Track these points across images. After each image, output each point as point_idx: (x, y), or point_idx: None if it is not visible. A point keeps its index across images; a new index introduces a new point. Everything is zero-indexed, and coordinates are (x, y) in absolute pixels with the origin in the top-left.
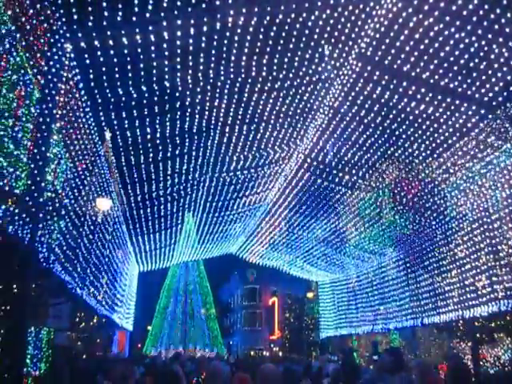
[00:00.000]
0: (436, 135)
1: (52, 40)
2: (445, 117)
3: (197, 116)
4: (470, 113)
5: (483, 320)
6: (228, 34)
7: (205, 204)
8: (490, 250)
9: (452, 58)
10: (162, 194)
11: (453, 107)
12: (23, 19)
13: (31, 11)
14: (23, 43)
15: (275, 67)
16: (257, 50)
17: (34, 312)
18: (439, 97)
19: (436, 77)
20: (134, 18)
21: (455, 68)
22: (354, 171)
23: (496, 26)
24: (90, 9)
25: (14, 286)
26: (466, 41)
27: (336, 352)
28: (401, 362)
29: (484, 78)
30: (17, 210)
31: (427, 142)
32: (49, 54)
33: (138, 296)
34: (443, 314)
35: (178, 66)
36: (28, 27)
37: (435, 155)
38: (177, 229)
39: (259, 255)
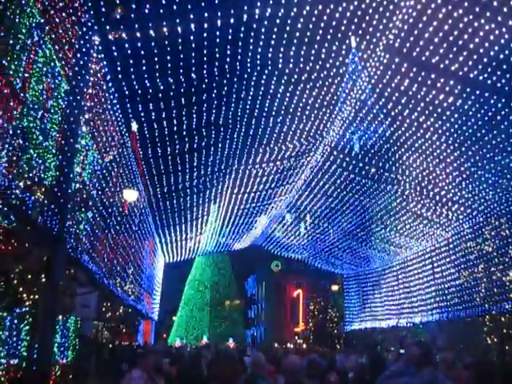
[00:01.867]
0: (464, 128)
1: (80, 32)
2: (473, 109)
3: (223, 108)
4: (499, 105)
5: (510, 315)
6: (255, 25)
7: (230, 196)
8: None
9: (482, 50)
10: (188, 185)
11: (482, 100)
12: (52, 12)
13: (60, 4)
14: (52, 36)
15: (302, 59)
16: (283, 42)
17: (61, 301)
18: (468, 89)
19: (465, 69)
20: (162, 11)
21: (485, 60)
22: (380, 164)
23: None
24: (117, 1)
25: (43, 275)
26: (496, 32)
27: (360, 346)
28: (429, 356)
29: None
30: (46, 201)
31: (455, 135)
32: (77, 46)
33: (163, 286)
34: (469, 308)
35: (205, 58)
36: (57, 20)
37: (463, 148)
38: (202, 220)
39: (284, 247)
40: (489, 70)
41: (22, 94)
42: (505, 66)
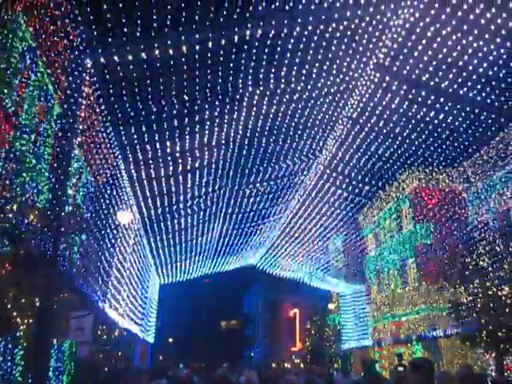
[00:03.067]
0: (456, 144)
1: (72, 56)
2: (464, 126)
3: (216, 129)
4: (489, 121)
5: (507, 330)
6: (246, 47)
7: (225, 216)
8: None
9: (471, 67)
10: (183, 206)
11: (472, 116)
12: (44, 36)
13: (52, 28)
14: (44, 59)
15: (293, 79)
16: (274, 63)
17: (56, 325)
18: (458, 106)
19: (455, 86)
20: (153, 33)
21: (474, 77)
22: (373, 182)
23: None
24: (109, 25)
25: (37, 299)
26: (485, 49)
27: (358, 364)
28: (427, 373)
29: (504, 86)
30: (39, 224)
31: (447, 152)
32: (69, 69)
33: (159, 308)
34: (466, 323)
35: (197, 80)
36: (48, 44)
37: (455, 164)
38: (197, 241)
39: (280, 266)
40: (478, 86)
41: (14, 118)
42: (494, 83)
